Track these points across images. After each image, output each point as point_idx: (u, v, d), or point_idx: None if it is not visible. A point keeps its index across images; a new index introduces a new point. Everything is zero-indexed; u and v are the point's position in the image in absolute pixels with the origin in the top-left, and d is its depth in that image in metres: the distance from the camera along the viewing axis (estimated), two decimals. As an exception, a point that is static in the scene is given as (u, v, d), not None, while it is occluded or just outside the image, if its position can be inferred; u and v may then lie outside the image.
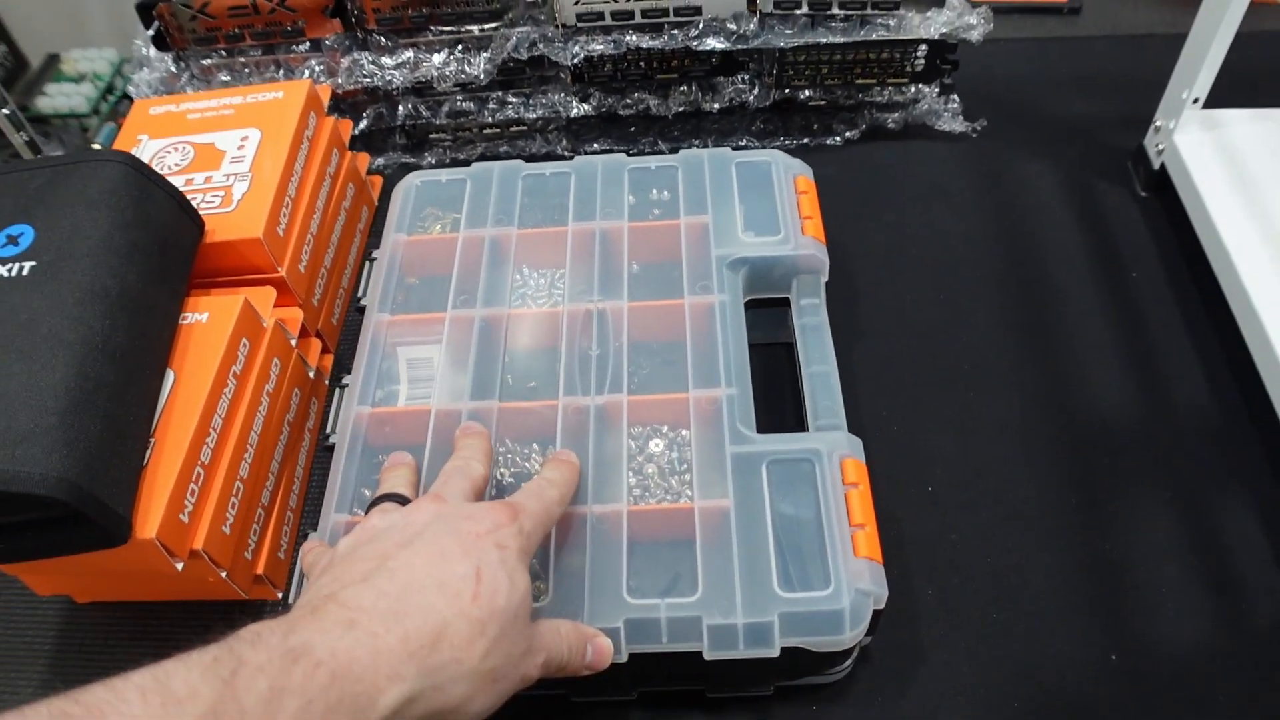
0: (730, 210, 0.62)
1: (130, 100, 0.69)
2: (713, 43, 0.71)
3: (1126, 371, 0.64)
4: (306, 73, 0.74)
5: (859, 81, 0.76)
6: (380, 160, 0.80)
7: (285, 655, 0.33)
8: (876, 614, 0.46)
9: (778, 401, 0.59)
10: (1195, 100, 0.69)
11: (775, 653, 0.44)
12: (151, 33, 0.72)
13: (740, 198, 0.62)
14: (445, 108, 0.77)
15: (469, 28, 0.72)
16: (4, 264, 0.47)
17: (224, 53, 0.74)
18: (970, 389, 0.63)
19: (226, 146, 0.61)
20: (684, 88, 0.77)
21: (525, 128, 0.80)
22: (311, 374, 0.61)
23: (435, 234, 0.63)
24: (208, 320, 0.53)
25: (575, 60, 0.72)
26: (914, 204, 0.75)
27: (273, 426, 0.55)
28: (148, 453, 0.47)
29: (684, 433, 0.52)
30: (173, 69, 0.75)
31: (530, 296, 0.59)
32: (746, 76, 0.77)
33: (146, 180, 0.52)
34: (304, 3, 0.70)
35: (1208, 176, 0.68)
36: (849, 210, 0.73)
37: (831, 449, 0.50)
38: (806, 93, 0.77)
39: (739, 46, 0.72)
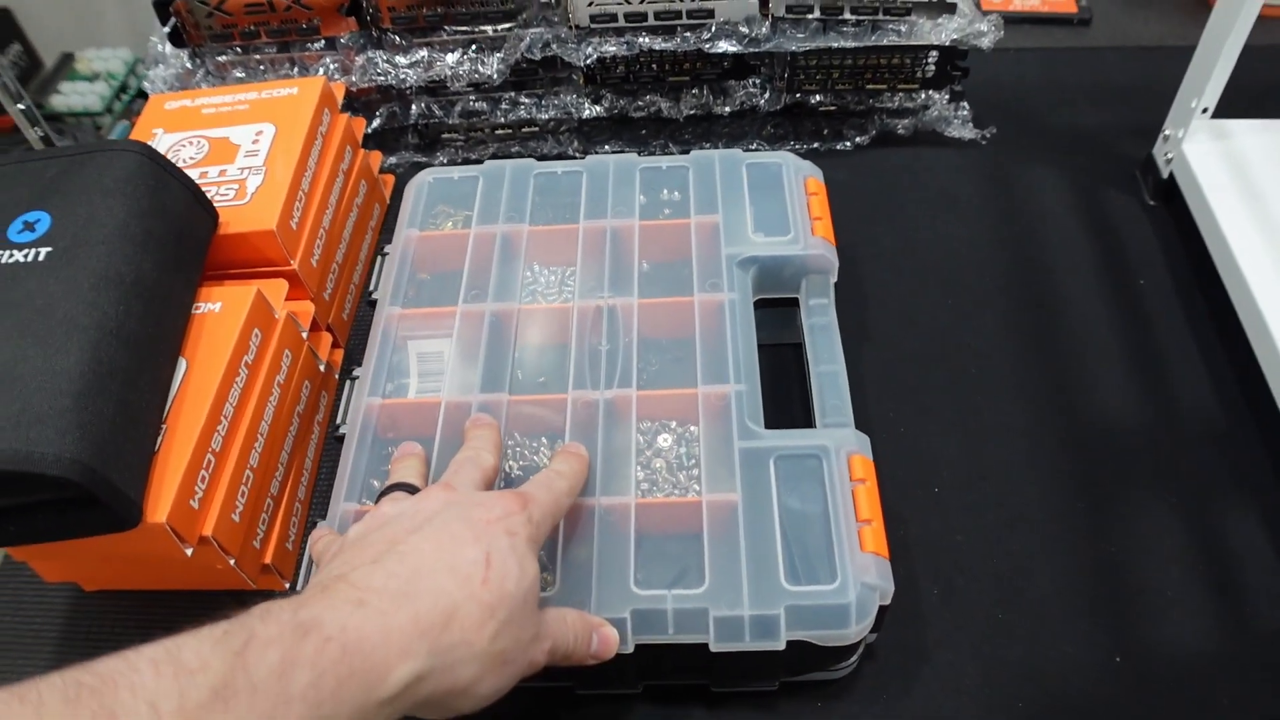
0: (741, 210, 0.62)
1: (144, 99, 0.70)
2: (725, 46, 0.72)
3: (1132, 377, 0.64)
4: (321, 70, 0.74)
5: (870, 87, 0.77)
6: (392, 159, 0.81)
7: (295, 629, 0.33)
8: (882, 610, 0.46)
9: (785, 401, 0.59)
10: (1204, 110, 0.69)
11: (781, 645, 0.44)
12: (168, 29, 0.72)
13: (751, 198, 0.63)
14: (458, 107, 0.78)
15: (483, 28, 0.73)
16: (21, 249, 0.48)
17: (239, 50, 0.75)
18: (977, 392, 0.64)
19: (241, 141, 0.62)
20: (695, 90, 0.78)
21: (537, 129, 0.80)
22: (322, 367, 0.61)
23: (447, 230, 0.63)
24: (220, 310, 0.53)
25: (588, 61, 0.72)
26: (923, 210, 0.75)
27: (283, 417, 0.56)
28: (159, 438, 0.47)
29: (692, 428, 0.52)
30: (188, 65, 0.75)
31: (541, 293, 0.59)
32: (758, 80, 0.77)
33: (161, 170, 0.53)
34: (319, 1, 0.71)
35: (1216, 185, 0.69)
36: (858, 215, 0.74)
37: (839, 445, 0.51)
38: (817, 97, 0.78)
39: (751, 50, 0.72)
